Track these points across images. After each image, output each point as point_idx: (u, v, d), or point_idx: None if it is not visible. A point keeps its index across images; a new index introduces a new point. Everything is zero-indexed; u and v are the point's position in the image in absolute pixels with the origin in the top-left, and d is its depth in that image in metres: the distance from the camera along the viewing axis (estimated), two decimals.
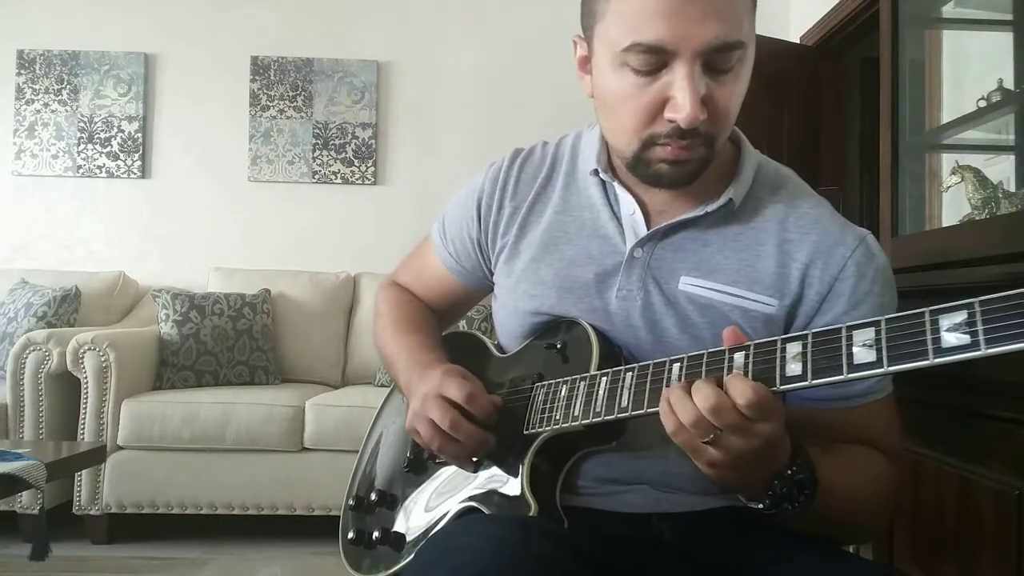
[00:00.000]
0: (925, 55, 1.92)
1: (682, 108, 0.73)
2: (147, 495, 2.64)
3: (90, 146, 3.60)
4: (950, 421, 1.33)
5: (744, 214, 0.86)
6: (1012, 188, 1.70)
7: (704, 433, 0.65)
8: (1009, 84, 1.67)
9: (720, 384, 0.66)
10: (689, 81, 0.73)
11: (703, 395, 0.64)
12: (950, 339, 0.53)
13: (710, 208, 0.84)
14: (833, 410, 0.82)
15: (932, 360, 0.54)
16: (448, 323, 1.15)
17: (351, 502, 1.03)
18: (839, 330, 0.61)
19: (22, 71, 3.59)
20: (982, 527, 1.22)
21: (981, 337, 0.51)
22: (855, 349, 0.59)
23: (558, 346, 0.87)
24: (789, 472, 0.70)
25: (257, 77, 3.63)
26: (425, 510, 0.92)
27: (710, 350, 0.69)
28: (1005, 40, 1.85)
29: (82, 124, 3.60)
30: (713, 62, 0.74)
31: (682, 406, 0.66)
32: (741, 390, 0.64)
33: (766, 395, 0.64)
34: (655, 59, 0.74)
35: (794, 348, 0.63)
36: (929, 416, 1.36)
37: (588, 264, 0.89)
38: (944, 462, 1.32)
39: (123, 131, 3.61)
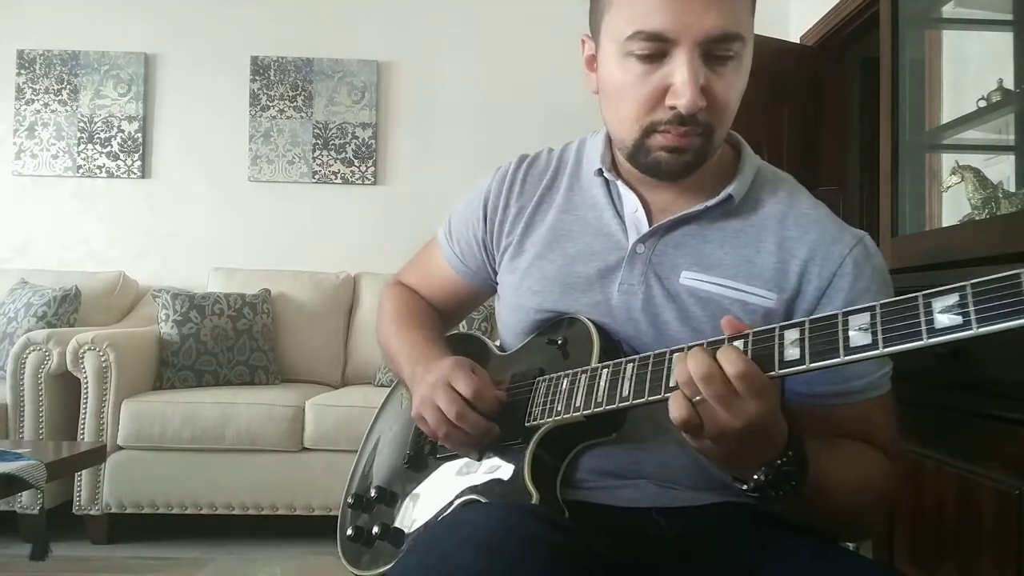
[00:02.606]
0: (925, 55, 1.92)
1: (682, 94, 0.77)
2: (147, 495, 2.64)
3: (90, 146, 3.60)
4: (950, 421, 1.33)
5: (744, 212, 0.88)
6: (1012, 188, 1.70)
7: (691, 395, 0.67)
8: (1009, 84, 1.67)
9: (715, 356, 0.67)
10: (689, 68, 0.77)
11: (696, 361, 0.66)
12: (943, 320, 0.54)
13: (710, 203, 0.87)
14: (832, 405, 0.83)
15: (926, 340, 0.55)
16: (452, 324, 1.16)
17: (350, 500, 1.04)
18: (835, 316, 0.62)
19: (22, 71, 3.59)
20: (982, 527, 1.22)
21: (973, 317, 0.53)
22: (851, 333, 0.60)
23: (559, 342, 0.89)
24: (779, 462, 0.70)
25: (257, 77, 3.62)
26: (425, 505, 0.92)
27: (710, 339, 0.70)
28: (1005, 40, 1.85)
29: (82, 124, 3.60)
30: (712, 53, 0.78)
31: (677, 368, 0.67)
32: (732, 359, 0.65)
33: (755, 368, 0.65)
34: (657, 47, 0.78)
35: (792, 334, 0.64)
36: (929, 416, 1.37)
37: (591, 260, 0.91)
38: (944, 462, 1.32)
39: (123, 131, 3.61)
